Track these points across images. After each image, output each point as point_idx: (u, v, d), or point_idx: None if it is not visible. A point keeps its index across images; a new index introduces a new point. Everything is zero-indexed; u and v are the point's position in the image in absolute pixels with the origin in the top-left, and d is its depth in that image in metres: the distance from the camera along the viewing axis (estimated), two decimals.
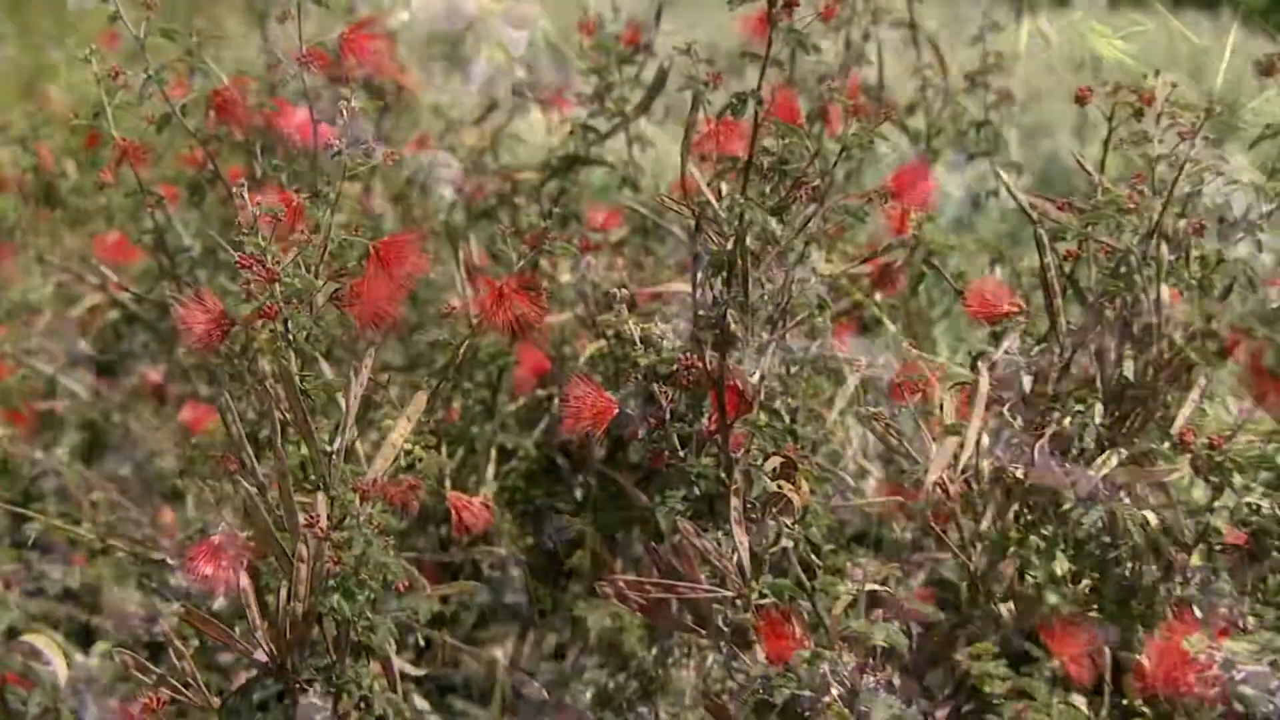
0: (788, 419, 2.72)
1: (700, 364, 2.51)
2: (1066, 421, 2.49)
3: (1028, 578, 2.58)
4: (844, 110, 2.52)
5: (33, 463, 3.75)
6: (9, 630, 3.01)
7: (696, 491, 2.56)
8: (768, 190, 2.51)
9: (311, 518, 2.29)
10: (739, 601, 2.44)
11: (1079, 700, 2.56)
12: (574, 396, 2.59)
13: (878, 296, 3.42)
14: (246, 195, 2.38)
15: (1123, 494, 2.48)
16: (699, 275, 2.52)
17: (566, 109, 3.81)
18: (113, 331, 4.55)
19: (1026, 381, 2.60)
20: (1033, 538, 2.45)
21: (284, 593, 2.36)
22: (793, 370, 2.81)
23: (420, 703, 2.96)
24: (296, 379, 2.38)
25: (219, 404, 2.54)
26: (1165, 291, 2.37)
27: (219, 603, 2.93)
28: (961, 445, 2.47)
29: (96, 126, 2.82)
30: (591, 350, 3.33)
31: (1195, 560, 2.54)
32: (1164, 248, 2.39)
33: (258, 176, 2.98)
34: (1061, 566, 2.51)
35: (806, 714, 2.32)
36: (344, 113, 2.46)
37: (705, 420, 2.55)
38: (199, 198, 3.00)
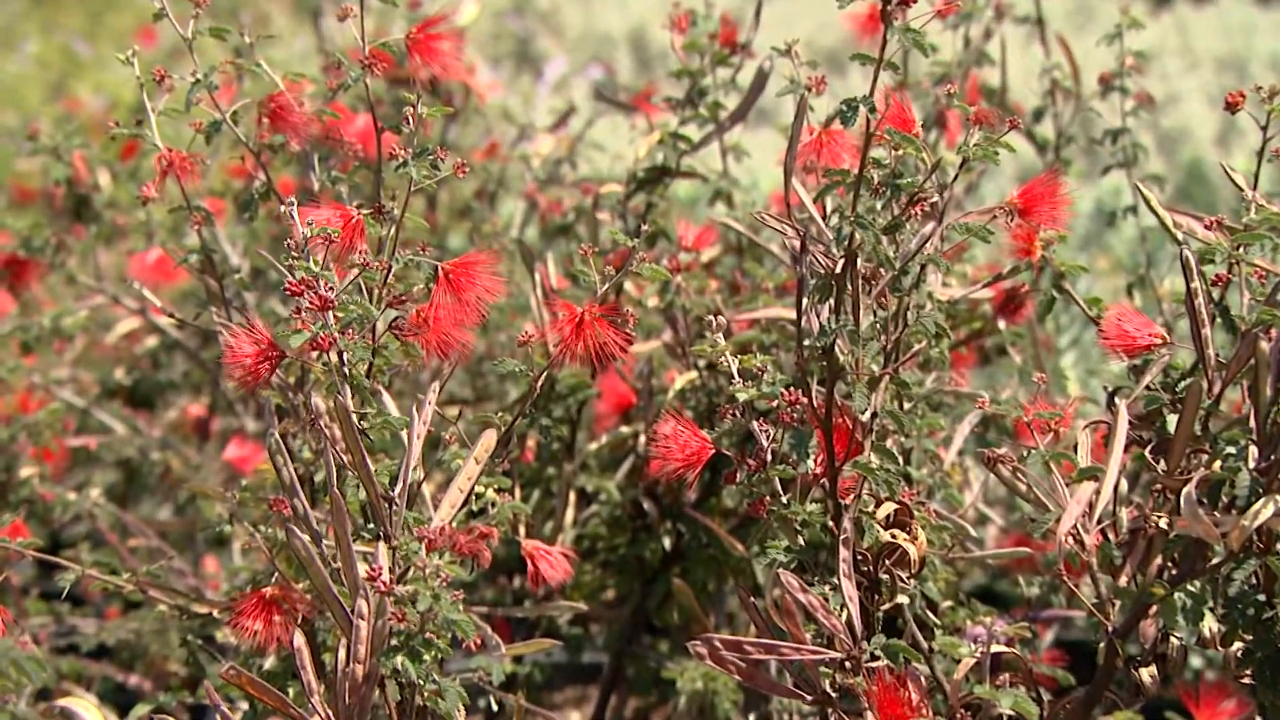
0: (901, 461, 2.71)
1: (805, 400, 2.50)
2: (1216, 465, 2.46)
3: (1172, 639, 2.56)
4: (964, 117, 2.50)
5: (64, 505, 3.77)
6: (39, 691, 3.02)
7: (801, 541, 2.55)
8: (879, 207, 2.50)
9: (372, 569, 2.29)
10: (848, 664, 2.43)
11: None
12: (663, 435, 2.59)
13: (1001, 324, 3.40)
14: (299, 211, 2.39)
15: None
16: (804, 300, 2.52)
17: (654, 115, 3.80)
18: (151, 360, 4.59)
19: (1171, 420, 2.57)
20: (1178, 594, 2.43)
21: (342, 652, 2.36)
22: (907, 406, 2.80)
23: None
24: (354, 416, 2.39)
25: (268, 442, 2.55)
26: None
27: (270, 663, 2.94)
28: (1098, 491, 2.45)
29: (139, 135, 2.83)
30: (682, 383, 3.32)
31: None
32: None
33: (314, 190, 2.99)
34: (1210, 627, 2.49)
35: None
36: (409, 119, 2.46)
37: (811, 462, 2.54)
38: (249, 213, 3.00)
